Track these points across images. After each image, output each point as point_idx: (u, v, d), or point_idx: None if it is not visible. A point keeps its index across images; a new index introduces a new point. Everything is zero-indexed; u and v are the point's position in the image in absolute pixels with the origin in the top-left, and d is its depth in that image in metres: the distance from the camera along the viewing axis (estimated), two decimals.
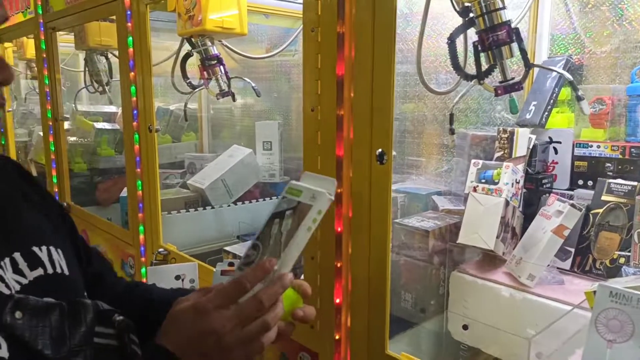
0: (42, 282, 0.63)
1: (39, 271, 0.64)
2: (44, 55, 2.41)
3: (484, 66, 1.05)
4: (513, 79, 1.01)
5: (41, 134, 2.74)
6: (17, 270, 0.61)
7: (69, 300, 0.62)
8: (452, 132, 1.15)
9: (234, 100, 1.80)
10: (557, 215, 1.23)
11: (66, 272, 0.68)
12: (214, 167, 2.17)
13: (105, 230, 2.12)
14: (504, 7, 0.98)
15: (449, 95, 1.63)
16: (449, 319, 1.31)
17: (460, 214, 1.44)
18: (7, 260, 0.61)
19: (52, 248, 0.67)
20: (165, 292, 0.86)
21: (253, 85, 1.77)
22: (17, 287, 0.60)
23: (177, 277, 1.36)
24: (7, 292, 0.58)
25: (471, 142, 1.51)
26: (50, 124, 2.44)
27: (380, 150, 1.02)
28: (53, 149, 2.44)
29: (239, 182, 2.12)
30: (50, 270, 0.65)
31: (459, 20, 1.11)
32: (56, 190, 2.46)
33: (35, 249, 0.65)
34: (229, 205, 2.06)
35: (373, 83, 1.02)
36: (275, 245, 0.67)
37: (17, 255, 0.62)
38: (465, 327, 1.28)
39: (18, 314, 0.57)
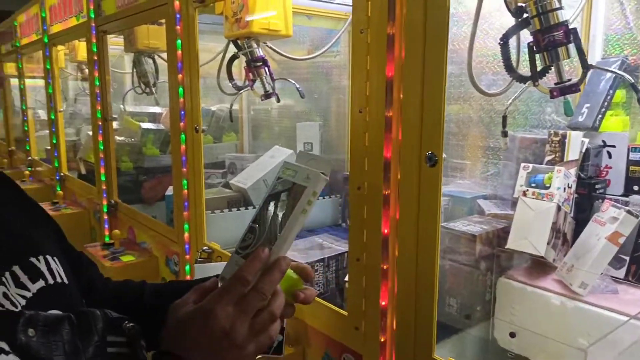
0: (45, 294, 0.61)
1: (41, 283, 0.61)
2: (95, 58, 2.50)
3: (538, 67, 1.03)
4: (569, 80, 0.98)
5: (90, 133, 2.85)
6: (19, 284, 0.59)
7: (75, 311, 0.61)
8: (504, 134, 1.12)
9: (277, 101, 1.82)
10: (611, 222, 1.18)
11: (65, 280, 0.66)
12: (256, 167, 2.19)
13: (151, 228, 2.18)
14: (561, 7, 0.95)
15: (496, 97, 1.60)
16: (495, 326, 1.28)
17: (507, 218, 1.41)
18: (7, 274, 0.58)
19: (48, 257, 0.65)
20: (157, 285, 0.86)
21: (297, 86, 1.78)
22: (23, 302, 0.58)
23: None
24: (13, 309, 0.56)
25: (520, 145, 1.48)
26: (100, 123, 2.53)
27: (430, 152, 1.01)
28: (102, 148, 2.53)
29: None
30: (51, 281, 0.63)
31: (506, 20, 1.08)
32: (104, 187, 2.55)
33: (33, 259, 0.63)
34: None
35: (424, 84, 1.01)
36: (272, 228, 0.66)
37: (16, 269, 0.59)
38: (512, 335, 1.25)
39: (31, 332, 0.55)
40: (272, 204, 0.68)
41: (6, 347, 0.50)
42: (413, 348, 1.10)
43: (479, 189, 1.70)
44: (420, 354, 1.08)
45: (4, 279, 0.57)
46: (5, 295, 0.55)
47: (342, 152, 2.35)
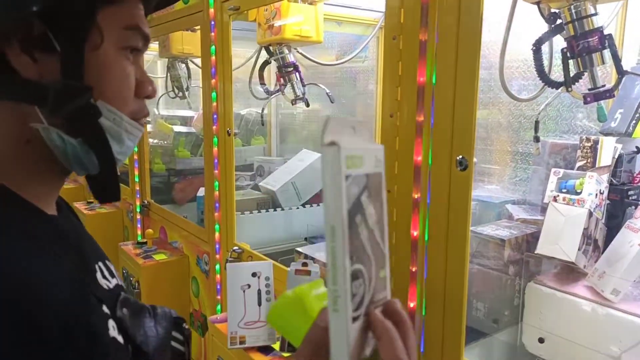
0: (118, 290, 0.65)
1: (115, 280, 0.66)
2: None
3: (572, 73, 1.03)
4: (604, 86, 0.99)
5: None
6: (104, 276, 0.64)
7: (151, 305, 0.68)
8: (537, 139, 1.12)
9: (307, 105, 1.86)
10: None
11: (123, 284, 0.71)
12: (285, 170, 2.23)
13: (182, 228, 2.24)
14: (595, 14, 0.96)
15: (525, 102, 1.60)
16: (524, 331, 1.28)
17: (537, 223, 1.41)
18: (100, 264, 0.64)
19: (108, 262, 0.69)
20: None
21: (327, 91, 1.81)
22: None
23: (254, 274, 1.42)
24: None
25: (550, 151, 1.47)
26: None
27: (461, 156, 1.02)
28: (136, 150, 2.61)
29: (308, 186, 2.18)
30: (119, 282, 0.68)
31: (537, 25, 1.09)
32: (137, 188, 2.63)
33: (107, 261, 0.68)
34: (297, 208, 2.12)
35: (455, 89, 1.03)
36: (376, 252, 0.48)
37: (100, 264, 0.65)
38: (541, 340, 1.24)
39: (125, 310, 0.62)
40: (358, 218, 0.45)
41: (109, 314, 0.57)
42: (441, 350, 1.11)
43: (508, 193, 1.70)
44: (449, 357, 1.09)
45: (97, 267, 0.63)
46: (100, 279, 0.62)
47: None
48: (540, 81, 1.11)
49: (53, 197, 0.64)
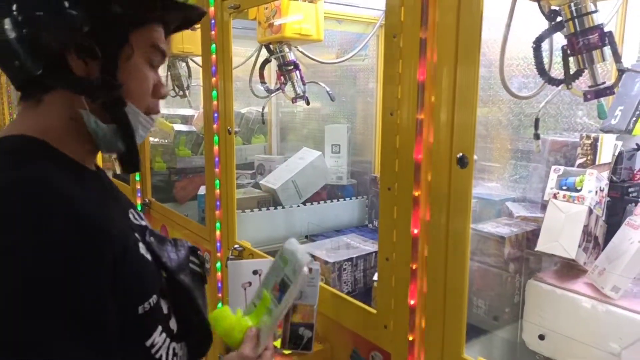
0: (146, 227, 0.89)
1: (144, 222, 0.90)
2: None
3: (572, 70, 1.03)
4: (604, 83, 0.99)
5: None
6: (134, 218, 0.88)
7: (171, 238, 0.95)
8: (537, 137, 1.13)
9: (307, 104, 1.86)
10: None
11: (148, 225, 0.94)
12: (285, 168, 2.24)
13: (183, 226, 2.24)
14: (596, 11, 0.96)
15: (525, 100, 1.60)
16: (524, 328, 1.29)
17: (537, 221, 1.41)
18: (132, 209, 0.89)
19: (136, 210, 0.93)
20: None
21: (328, 89, 1.82)
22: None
23: (255, 272, 1.43)
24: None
25: (550, 148, 1.48)
26: None
27: (461, 154, 1.03)
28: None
29: (308, 184, 2.18)
30: (146, 223, 0.91)
31: (537, 23, 1.09)
32: (138, 187, 2.63)
33: (135, 208, 0.93)
34: (298, 206, 2.12)
35: (456, 87, 1.03)
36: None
37: (132, 209, 0.89)
38: (541, 337, 1.25)
39: (151, 239, 0.88)
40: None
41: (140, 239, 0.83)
42: (441, 347, 1.11)
43: (507, 191, 1.71)
44: (449, 354, 1.10)
45: (129, 211, 0.88)
46: (134, 217, 0.88)
47: (368, 154, 2.38)
48: (541, 79, 1.12)
49: (92, 161, 0.86)
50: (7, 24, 0.75)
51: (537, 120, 1.13)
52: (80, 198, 0.72)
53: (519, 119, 1.73)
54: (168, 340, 0.88)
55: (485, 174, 1.78)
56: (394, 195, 1.19)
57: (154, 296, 0.84)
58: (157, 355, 0.85)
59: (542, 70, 1.08)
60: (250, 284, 1.42)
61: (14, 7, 0.75)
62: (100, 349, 0.69)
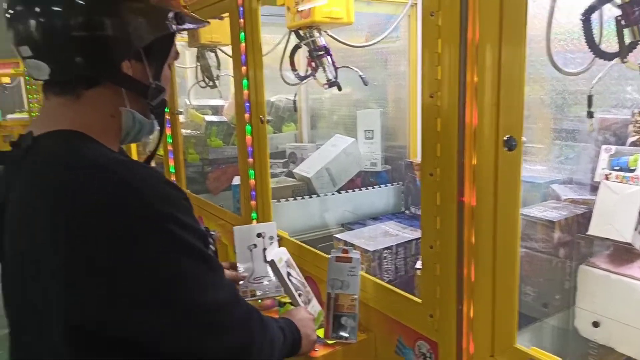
0: None
1: None
2: None
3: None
4: None
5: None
6: None
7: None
8: (590, 115, 1.06)
9: (339, 89, 1.81)
10: None
11: None
12: (318, 156, 2.21)
13: (219, 217, 2.25)
14: None
15: (569, 77, 1.51)
16: (576, 315, 1.24)
17: (586, 203, 1.35)
18: None
19: None
20: None
21: (360, 74, 1.77)
22: None
23: (259, 235, 1.53)
24: None
25: (599, 127, 1.40)
26: (168, 117, 2.63)
27: (508, 135, 0.98)
28: (170, 140, 2.63)
29: (342, 171, 2.15)
30: None
31: None
32: (173, 179, 2.66)
33: None
34: (333, 194, 2.10)
35: (500, 66, 0.98)
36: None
37: None
38: (595, 325, 1.20)
39: None
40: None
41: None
42: (492, 336, 1.08)
43: (553, 173, 1.63)
44: (500, 343, 1.06)
45: None
46: None
47: (402, 139, 2.33)
48: (591, 53, 1.05)
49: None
50: (80, 24, 0.83)
51: (589, 98, 1.07)
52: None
53: (562, 97, 1.64)
54: None
55: (528, 156, 1.70)
56: (436, 181, 1.15)
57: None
58: None
59: (592, 44, 1.02)
60: (255, 245, 1.53)
61: (88, 9, 0.83)
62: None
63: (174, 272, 0.80)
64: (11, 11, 0.84)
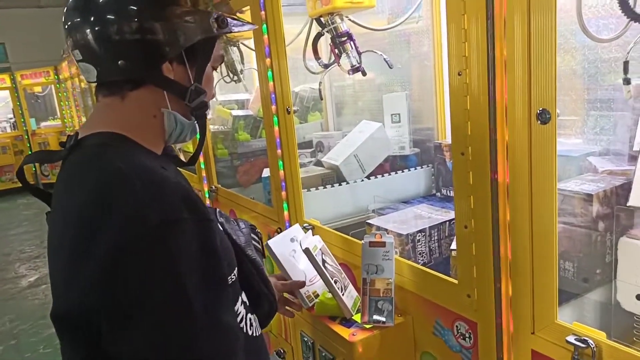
0: (214, 209, 1.08)
1: (209, 204, 1.12)
2: None
3: None
4: None
5: None
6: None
7: (233, 218, 1.12)
8: (627, 82, 1.03)
9: (364, 75, 1.81)
10: None
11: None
12: (346, 143, 2.21)
13: (251, 209, 2.28)
14: None
15: (602, 45, 1.46)
16: (618, 289, 1.21)
17: (626, 174, 1.30)
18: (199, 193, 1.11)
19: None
20: None
21: (385, 57, 1.75)
22: None
23: (292, 240, 1.55)
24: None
25: (636, 94, 1.35)
26: None
27: (541, 108, 0.96)
28: (199, 137, 2.67)
29: (370, 157, 2.14)
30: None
31: None
32: (204, 175, 2.71)
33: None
34: (362, 180, 2.09)
35: (530, 38, 0.96)
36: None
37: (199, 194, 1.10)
38: (639, 297, 1.17)
39: (222, 219, 1.05)
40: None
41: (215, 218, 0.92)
42: (532, 314, 1.06)
43: (588, 145, 1.59)
44: (541, 319, 1.05)
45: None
46: None
47: (429, 121, 2.30)
48: (625, 17, 1.01)
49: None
50: (129, 28, 0.86)
51: (626, 64, 1.03)
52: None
53: (595, 66, 1.59)
54: (244, 311, 0.97)
55: (561, 129, 1.66)
56: (468, 160, 1.13)
57: (235, 268, 0.96)
58: (240, 325, 0.94)
59: (626, 7, 0.98)
60: (295, 251, 1.53)
61: (137, 14, 0.86)
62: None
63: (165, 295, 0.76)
64: (66, 18, 0.90)
